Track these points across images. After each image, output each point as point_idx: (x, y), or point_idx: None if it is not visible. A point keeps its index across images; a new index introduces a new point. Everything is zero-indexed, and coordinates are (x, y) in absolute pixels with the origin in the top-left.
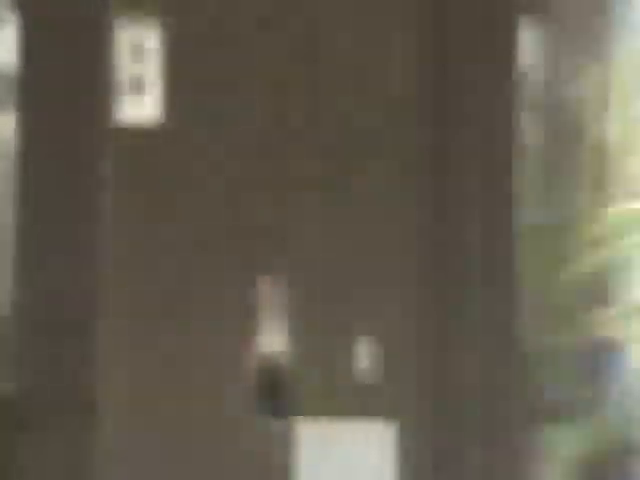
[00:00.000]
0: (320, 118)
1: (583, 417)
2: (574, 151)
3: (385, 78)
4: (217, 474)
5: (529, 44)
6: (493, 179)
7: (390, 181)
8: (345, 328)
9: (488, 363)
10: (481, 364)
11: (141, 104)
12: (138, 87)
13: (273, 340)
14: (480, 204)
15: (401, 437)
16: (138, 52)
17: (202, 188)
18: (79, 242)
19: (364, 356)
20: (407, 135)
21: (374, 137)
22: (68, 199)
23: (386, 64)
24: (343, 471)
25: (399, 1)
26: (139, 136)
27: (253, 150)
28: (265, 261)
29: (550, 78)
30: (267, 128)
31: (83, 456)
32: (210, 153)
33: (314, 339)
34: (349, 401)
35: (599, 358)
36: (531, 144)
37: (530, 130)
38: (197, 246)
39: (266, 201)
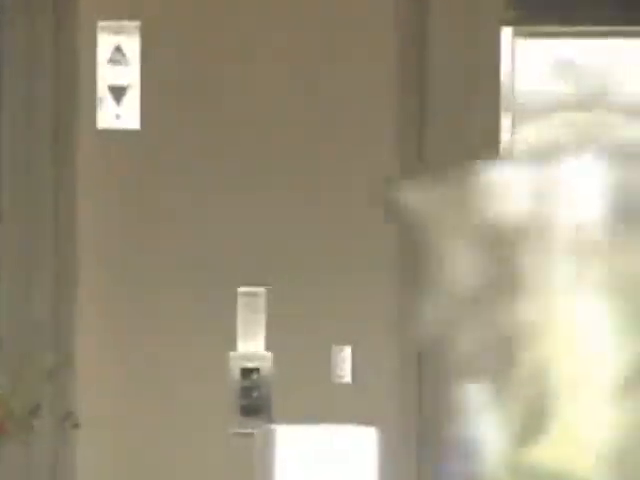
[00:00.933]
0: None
1: None
2: None
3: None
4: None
5: None
6: None
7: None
8: (325, 334)
9: None
10: None
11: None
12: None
13: (253, 346)
14: None
15: (384, 444)
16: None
17: (176, 190)
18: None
19: (345, 362)
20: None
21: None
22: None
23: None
24: (324, 477)
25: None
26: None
27: (229, 152)
28: (245, 271)
29: None
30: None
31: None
32: (184, 155)
33: (294, 345)
34: (330, 406)
35: None
36: None
37: None
38: (176, 256)
39: (245, 207)
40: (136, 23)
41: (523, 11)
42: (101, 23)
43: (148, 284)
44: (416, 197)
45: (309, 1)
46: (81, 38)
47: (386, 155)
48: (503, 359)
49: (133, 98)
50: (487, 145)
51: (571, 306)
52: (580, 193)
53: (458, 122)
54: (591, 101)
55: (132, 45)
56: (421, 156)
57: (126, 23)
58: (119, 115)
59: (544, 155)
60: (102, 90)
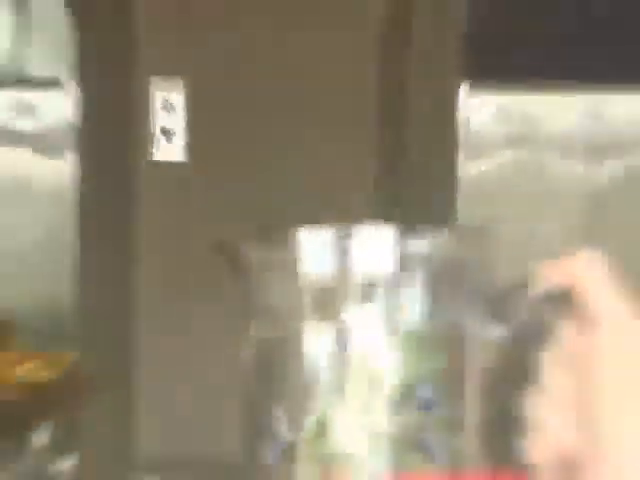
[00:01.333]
0: None
1: None
2: None
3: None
4: None
5: None
6: None
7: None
8: None
9: None
10: None
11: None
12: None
13: None
14: None
15: None
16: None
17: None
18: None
19: None
20: None
21: None
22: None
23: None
24: None
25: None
26: (169, 170)
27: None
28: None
29: None
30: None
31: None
32: (226, 185)
33: None
34: None
35: None
36: None
37: None
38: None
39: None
40: (180, 80)
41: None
42: (155, 80)
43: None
44: (253, 259)
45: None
46: (139, 91)
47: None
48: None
49: (179, 138)
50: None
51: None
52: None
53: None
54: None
55: (178, 97)
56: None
57: (173, 79)
58: (168, 150)
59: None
60: (155, 131)
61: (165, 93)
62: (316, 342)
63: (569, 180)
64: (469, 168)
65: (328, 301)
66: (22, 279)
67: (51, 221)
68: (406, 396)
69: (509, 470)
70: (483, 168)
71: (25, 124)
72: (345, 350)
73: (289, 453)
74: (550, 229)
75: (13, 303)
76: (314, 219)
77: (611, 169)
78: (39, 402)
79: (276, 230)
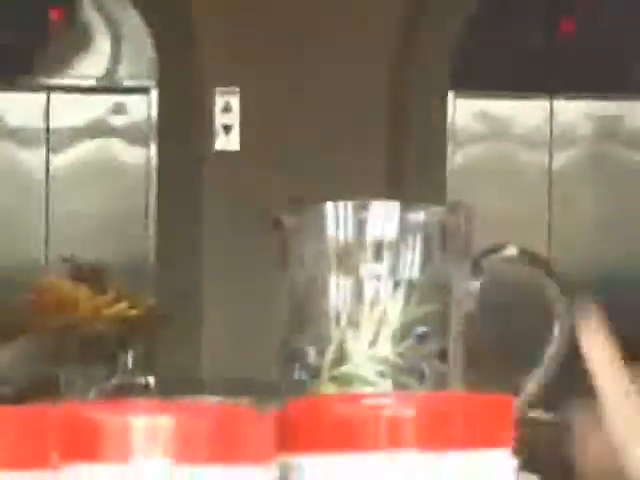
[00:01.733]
0: None
1: None
2: None
3: None
4: None
5: None
6: None
7: None
8: None
9: None
10: None
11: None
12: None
13: None
14: None
15: None
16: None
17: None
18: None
19: None
20: None
21: None
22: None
23: None
24: None
25: None
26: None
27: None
28: None
29: None
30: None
31: None
32: (270, 167)
33: None
34: None
35: None
36: None
37: None
38: None
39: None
40: (237, 89)
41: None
42: (218, 88)
43: None
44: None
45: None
46: (205, 96)
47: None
48: None
49: (235, 132)
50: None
51: None
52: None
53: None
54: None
55: (235, 102)
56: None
57: (230, 88)
58: (227, 142)
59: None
60: (218, 128)
61: (225, 98)
62: (337, 289)
63: (532, 166)
64: (457, 157)
65: (347, 258)
66: (114, 239)
67: (137, 195)
68: (406, 332)
69: (484, 393)
70: (467, 157)
71: (117, 119)
72: (360, 296)
73: (315, 374)
74: (516, 204)
75: (107, 257)
76: (337, 196)
77: (563, 158)
78: (126, 334)
79: (308, 203)
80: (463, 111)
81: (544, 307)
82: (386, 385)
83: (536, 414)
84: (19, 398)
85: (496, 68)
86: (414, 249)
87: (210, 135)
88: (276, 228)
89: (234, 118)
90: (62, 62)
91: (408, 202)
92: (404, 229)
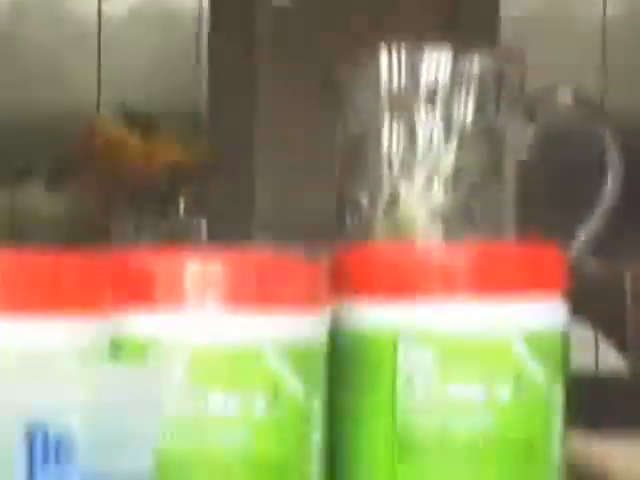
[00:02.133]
0: None
1: None
2: None
3: None
4: None
5: None
6: None
7: None
8: None
9: None
10: None
11: None
12: None
13: None
14: None
15: None
16: None
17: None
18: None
19: None
20: None
21: None
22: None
23: None
24: None
25: None
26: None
27: None
28: None
29: None
30: None
31: None
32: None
33: None
34: None
35: None
36: None
37: None
38: None
39: None
40: None
41: None
42: None
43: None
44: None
45: None
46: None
47: None
48: None
49: None
50: None
51: None
52: None
53: None
54: None
55: None
56: None
57: None
58: None
59: None
60: None
61: None
62: (391, 137)
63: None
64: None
65: (401, 105)
66: (165, 87)
67: (189, 42)
68: (458, 179)
69: (538, 240)
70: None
71: None
72: (414, 143)
73: (367, 221)
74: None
75: (159, 105)
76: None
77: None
78: (178, 181)
79: (362, 51)
80: None
81: (598, 158)
82: (438, 232)
83: (588, 262)
84: (71, 248)
85: None
86: (468, 95)
87: None
88: (332, 79)
89: None
90: None
91: (463, 46)
92: (458, 74)
